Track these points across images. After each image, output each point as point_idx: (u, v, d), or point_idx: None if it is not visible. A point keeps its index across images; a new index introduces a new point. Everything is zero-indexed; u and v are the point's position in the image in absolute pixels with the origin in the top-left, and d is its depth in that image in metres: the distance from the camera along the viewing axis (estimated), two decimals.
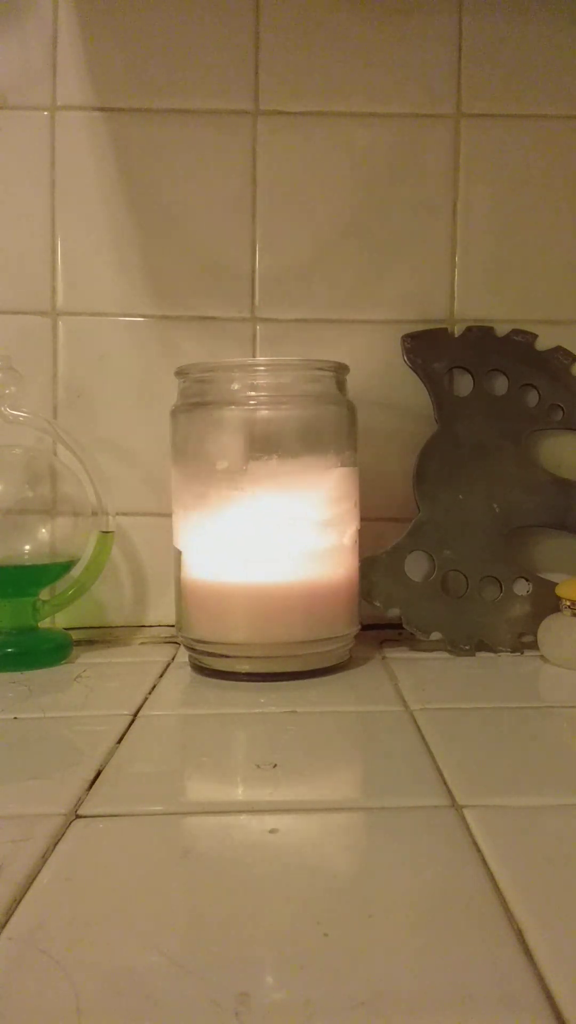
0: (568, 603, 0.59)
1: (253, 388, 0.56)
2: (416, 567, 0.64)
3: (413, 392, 0.67)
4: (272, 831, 0.34)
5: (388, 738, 0.45)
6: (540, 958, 0.25)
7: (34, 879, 0.30)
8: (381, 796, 0.38)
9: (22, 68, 0.66)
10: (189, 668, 0.59)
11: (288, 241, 0.67)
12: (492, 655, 0.62)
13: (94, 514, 0.63)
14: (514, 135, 0.68)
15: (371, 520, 0.63)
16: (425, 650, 0.63)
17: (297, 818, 0.35)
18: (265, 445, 0.55)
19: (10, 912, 0.28)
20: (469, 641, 0.62)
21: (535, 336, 0.67)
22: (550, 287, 0.68)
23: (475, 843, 0.32)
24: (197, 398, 0.57)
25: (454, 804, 0.36)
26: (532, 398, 0.67)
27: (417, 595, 0.63)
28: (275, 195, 0.67)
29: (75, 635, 0.64)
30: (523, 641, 0.63)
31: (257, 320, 0.68)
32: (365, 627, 0.61)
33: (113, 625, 0.68)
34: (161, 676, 0.57)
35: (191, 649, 0.58)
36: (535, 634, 0.61)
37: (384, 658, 0.61)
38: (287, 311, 0.68)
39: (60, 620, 0.66)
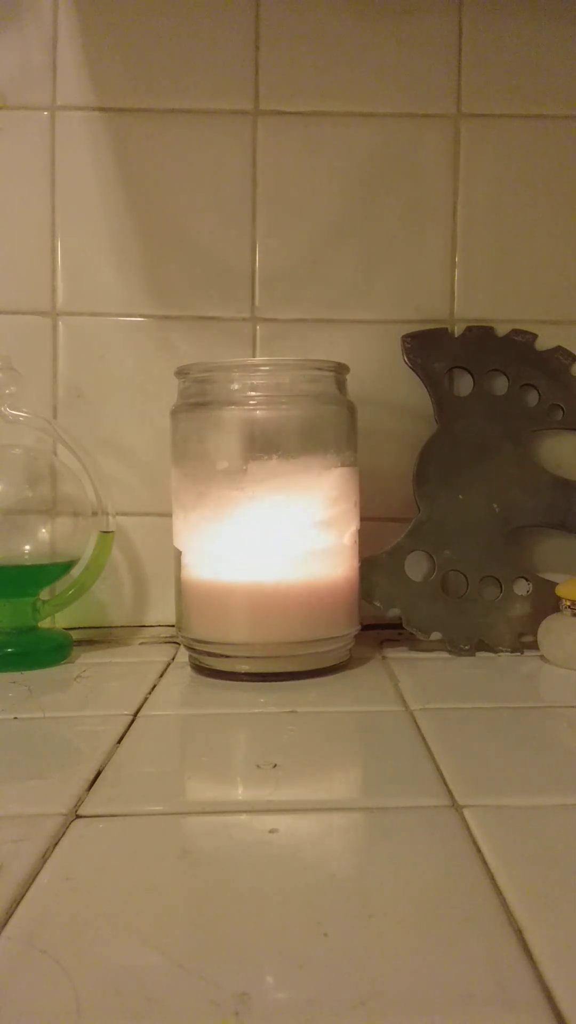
0: (568, 603, 0.59)
1: (253, 388, 0.56)
2: (416, 567, 0.64)
3: (413, 392, 0.67)
4: (272, 831, 0.34)
5: (388, 738, 0.45)
6: (540, 958, 0.25)
7: (34, 879, 0.30)
8: (381, 796, 0.38)
9: (22, 68, 0.66)
10: (189, 668, 0.59)
11: (288, 241, 0.67)
12: (492, 655, 0.62)
13: (94, 514, 0.63)
14: (514, 135, 0.68)
15: (371, 520, 0.63)
16: (425, 650, 0.63)
17: (297, 818, 0.35)
18: (265, 445, 0.55)
19: (10, 912, 0.28)
20: (469, 641, 0.62)
21: (535, 336, 0.67)
22: (550, 287, 0.68)
23: (475, 843, 0.32)
24: (197, 398, 0.57)
25: (454, 804, 0.36)
26: (532, 398, 0.67)
27: (417, 595, 0.63)
28: (275, 195, 0.67)
29: (75, 635, 0.64)
30: (523, 641, 0.63)
31: (257, 320, 0.68)
32: (365, 627, 0.61)
33: (113, 625, 0.68)
34: (161, 676, 0.57)
35: (191, 649, 0.58)
36: (535, 634, 0.61)
37: (384, 658, 0.61)
38: (287, 311, 0.68)
39: (60, 620, 0.66)
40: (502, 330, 0.67)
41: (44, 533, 0.64)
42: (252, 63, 0.66)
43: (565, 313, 0.68)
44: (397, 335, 0.67)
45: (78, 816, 0.35)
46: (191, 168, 0.67)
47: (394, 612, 0.63)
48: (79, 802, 0.37)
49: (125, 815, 0.35)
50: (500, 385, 0.67)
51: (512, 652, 0.62)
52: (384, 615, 0.63)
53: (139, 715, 0.48)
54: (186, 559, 0.57)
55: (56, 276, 0.67)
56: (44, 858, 0.31)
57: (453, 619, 0.63)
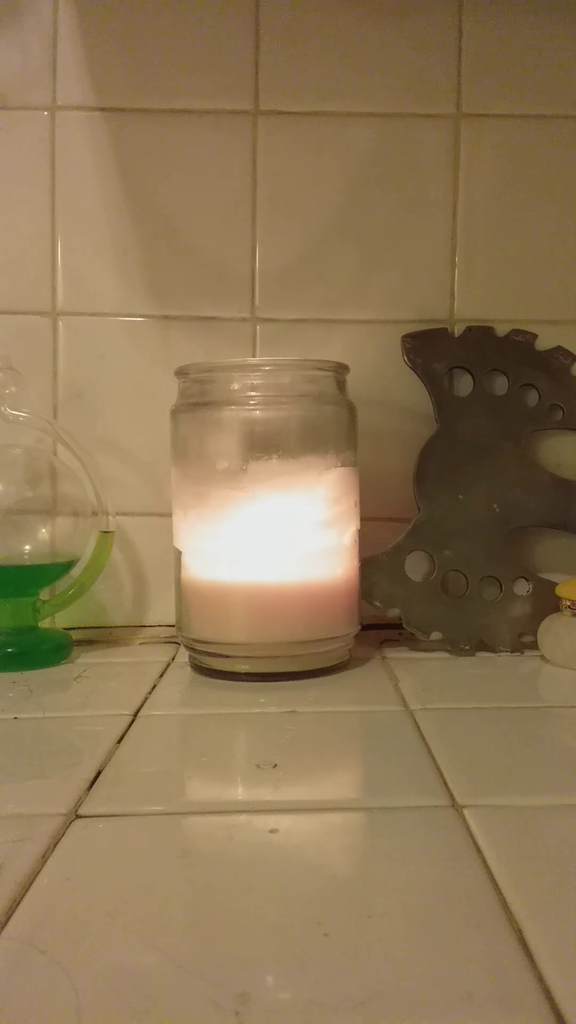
0: (568, 603, 0.59)
1: (253, 388, 0.56)
2: (416, 567, 0.64)
3: (413, 392, 0.67)
4: (272, 831, 0.34)
5: (388, 738, 0.45)
6: (540, 958, 0.25)
7: (34, 879, 0.30)
8: (381, 796, 0.38)
9: (22, 68, 0.66)
10: (189, 668, 0.59)
11: (288, 241, 0.67)
12: (492, 655, 0.62)
13: (94, 514, 0.63)
14: (514, 135, 0.68)
15: (371, 520, 0.63)
16: (425, 650, 0.63)
17: (297, 818, 0.35)
18: (265, 445, 0.55)
19: (10, 912, 0.28)
20: (469, 641, 0.62)
21: (535, 336, 0.67)
22: (550, 287, 0.68)
23: (475, 843, 0.32)
24: (197, 398, 0.57)
25: (454, 804, 0.36)
26: (532, 398, 0.67)
27: (417, 595, 0.63)
28: (275, 195, 0.67)
29: (75, 635, 0.64)
30: (523, 641, 0.63)
31: (257, 320, 0.68)
32: (365, 627, 0.61)
33: (113, 625, 0.68)
34: (161, 676, 0.57)
35: (191, 649, 0.58)
36: (535, 634, 0.61)
37: (384, 658, 0.61)
38: (287, 311, 0.68)
39: (60, 620, 0.66)
40: (502, 330, 0.67)
41: (44, 533, 0.64)
42: (252, 63, 0.66)
43: (565, 313, 0.68)
44: (397, 335, 0.67)
45: (78, 816, 0.35)
46: (191, 168, 0.67)
47: (394, 612, 0.63)
48: (79, 802, 0.37)
49: (125, 815, 0.35)
50: (500, 385, 0.67)
51: (512, 652, 0.62)
52: (384, 615, 0.63)
53: (139, 715, 0.48)
54: (186, 559, 0.57)
55: (56, 276, 0.67)
56: (44, 858, 0.31)
57: (453, 619, 0.63)
